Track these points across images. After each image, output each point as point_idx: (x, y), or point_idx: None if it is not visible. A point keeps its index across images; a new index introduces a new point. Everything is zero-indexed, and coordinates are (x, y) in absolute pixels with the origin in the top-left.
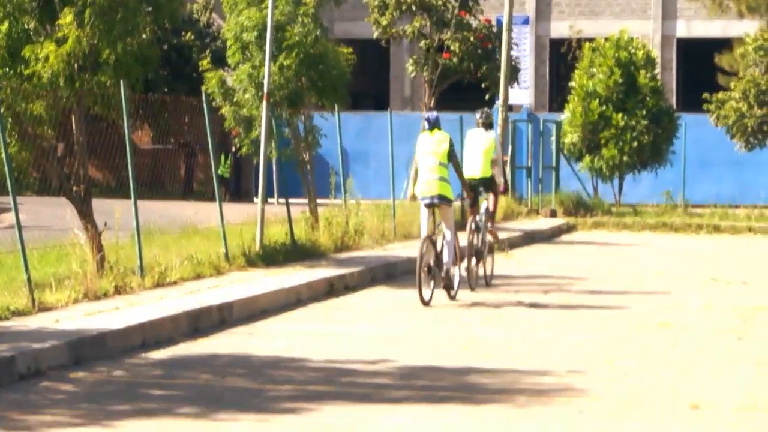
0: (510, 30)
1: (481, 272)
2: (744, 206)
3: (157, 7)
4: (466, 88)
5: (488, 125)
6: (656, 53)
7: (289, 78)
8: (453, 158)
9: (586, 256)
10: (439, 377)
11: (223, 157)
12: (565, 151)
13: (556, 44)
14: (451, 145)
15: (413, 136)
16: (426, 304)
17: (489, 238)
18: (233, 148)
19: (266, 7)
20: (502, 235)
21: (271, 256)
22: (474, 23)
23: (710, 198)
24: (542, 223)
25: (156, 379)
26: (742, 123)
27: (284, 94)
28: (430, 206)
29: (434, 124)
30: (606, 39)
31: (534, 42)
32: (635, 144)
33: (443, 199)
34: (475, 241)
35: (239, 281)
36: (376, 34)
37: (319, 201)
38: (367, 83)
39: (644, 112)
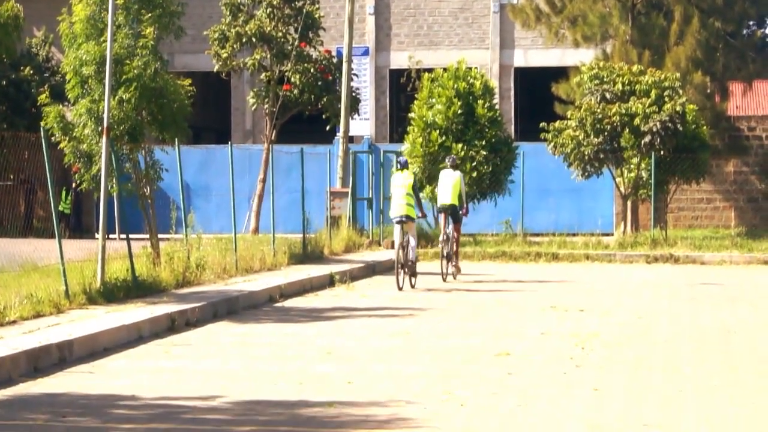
0: (350, 61)
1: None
2: (582, 234)
3: None
4: (307, 119)
5: (455, 167)
6: (494, 83)
7: (129, 112)
8: (416, 190)
9: (427, 286)
10: (279, 412)
11: (63, 193)
12: None
13: (396, 75)
14: (415, 180)
15: (255, 168)
16: (401, 289)
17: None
18: (74, 184)
19: (105, 41)
20: (343, 268)
21: (112, 293)
22: (314, 55)
23: (549, 226)
24: (383, 254)
25: None
26: (579, 151)
27: (124, 129)
28: (400, 222)
29: (404, 166)
30: (445, 69)
31: (374, 73)
32: (475, 174)
33: (408, 218)
34: (446, 248)
35: (79, 319)
36: (216, 67)
37: (160, 236)
38: (208, 116)
39: (483, 143)
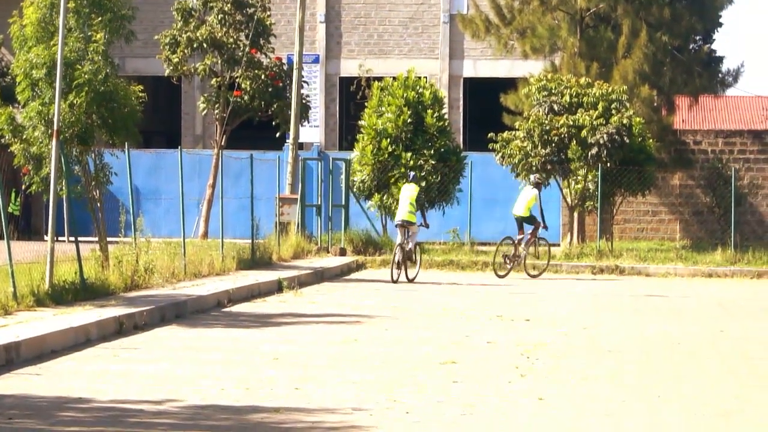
0: (300, 68)
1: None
2: None
3: None
4: (257, 125)
5: (536, 185)
6: (444, 93)
7: (79, 115)
8: (419, 201)
9: (375, 293)
10: (226, 417)
11: (13, 195)
12: (355, 189)
13: (346, 83)
14: (419, 193)
15: (204, 173)
16: (395, 282)
17: (530, 250)
18: (23, 186)
19: (56, 44)
20: (291, 274)
21: (61, 295)
22: (265, 61)
23: (496, 236)
24: (332, 261)
25: None
26: (527, 162)
27: (74, 132)
28: (402, 226)
29: (413, 179)
30: (394, 78)
31: (324, 80)
32: (423, 183)
33: (409, 222)
34: (517, 251)
35: (27, 321)
36: (167, 72)
37: (109, 239)
38: (158, 121)
39: (432, 152)
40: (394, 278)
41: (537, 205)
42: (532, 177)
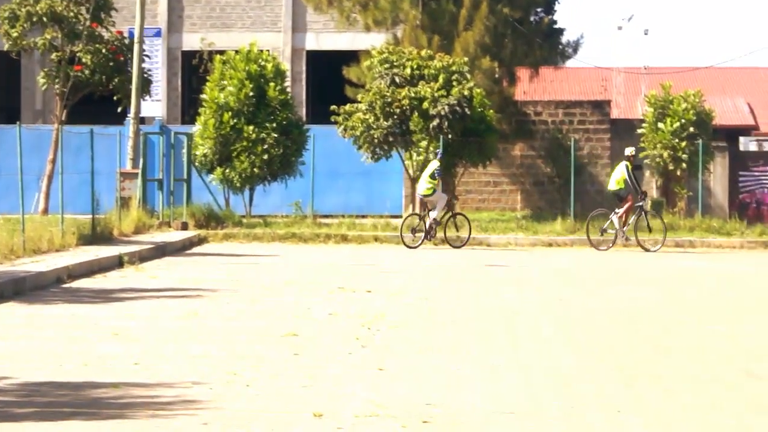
0: (141, 42)
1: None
2: (371, 216)
3: None
4: (98, 100)
5: (627, 159)
6: (286, 66)
7: None
8: (435, 177)
9: (217, 267)
10: (63, 393)
11: None
12: (197, 164)
13: (189, 56)
14: (434, 169)
15: (44, 149)
16: (411, 247)
17: (639, 224)
18: None
19: None
20: (133, 249)
21: None
22: (106, 35)
23: (339, 208)
24: (174, 235)
25: None
26: (369, 134)
27: None
28: (420, 197)
29: (436, 156)
30: (237, 52)
31: (166, 54)
32: (266, 156)
33: (426, 195)
34: (614, 224)
35: None
36: (6, 47)
37: None
38: None
39: (274, 125)
40: (409, 244)
41: (627, 179)
42: (627, 150)
